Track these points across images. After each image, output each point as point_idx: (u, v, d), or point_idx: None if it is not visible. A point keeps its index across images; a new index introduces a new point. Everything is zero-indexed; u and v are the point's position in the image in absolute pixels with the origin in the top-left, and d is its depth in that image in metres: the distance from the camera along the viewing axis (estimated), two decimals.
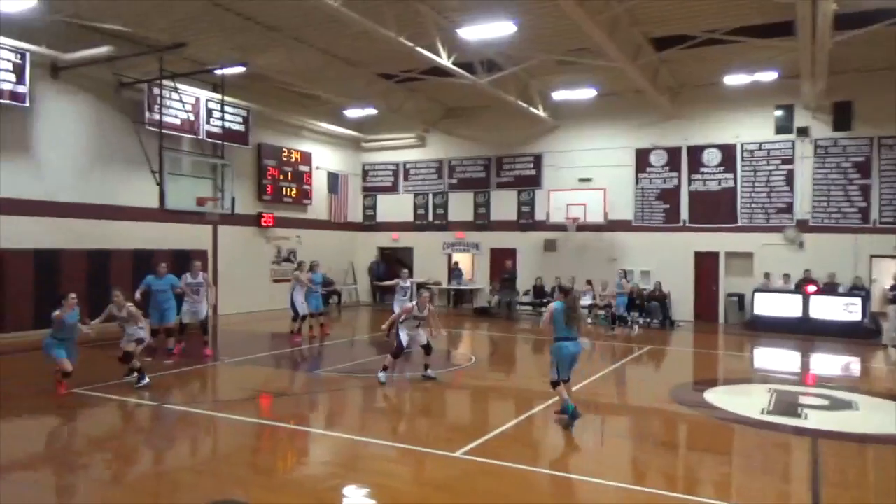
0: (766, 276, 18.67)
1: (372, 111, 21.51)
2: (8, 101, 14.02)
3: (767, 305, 17.87)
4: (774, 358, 15.04)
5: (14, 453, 6.94)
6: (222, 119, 17.48)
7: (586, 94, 19.13)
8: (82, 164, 16.12)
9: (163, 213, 15.24)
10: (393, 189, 25.24)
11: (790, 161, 18.87)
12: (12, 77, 14.01)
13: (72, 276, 15.36)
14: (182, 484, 6.21)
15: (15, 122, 14.61)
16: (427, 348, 10.57)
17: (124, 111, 16.81)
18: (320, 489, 6.12)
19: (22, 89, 14.20)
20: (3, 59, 13.85)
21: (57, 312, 9.26)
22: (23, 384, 9.99)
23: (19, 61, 14.10)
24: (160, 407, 8.79)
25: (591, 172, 21.25)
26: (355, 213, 25.53)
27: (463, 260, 24.10)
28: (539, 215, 22.04)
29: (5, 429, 7.93)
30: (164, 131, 15.32)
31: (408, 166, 24.90)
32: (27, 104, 14.40)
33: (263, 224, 21.23)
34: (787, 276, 18.27)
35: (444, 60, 15.11)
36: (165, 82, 15.45)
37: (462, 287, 23.48)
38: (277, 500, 5.72)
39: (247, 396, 9.76)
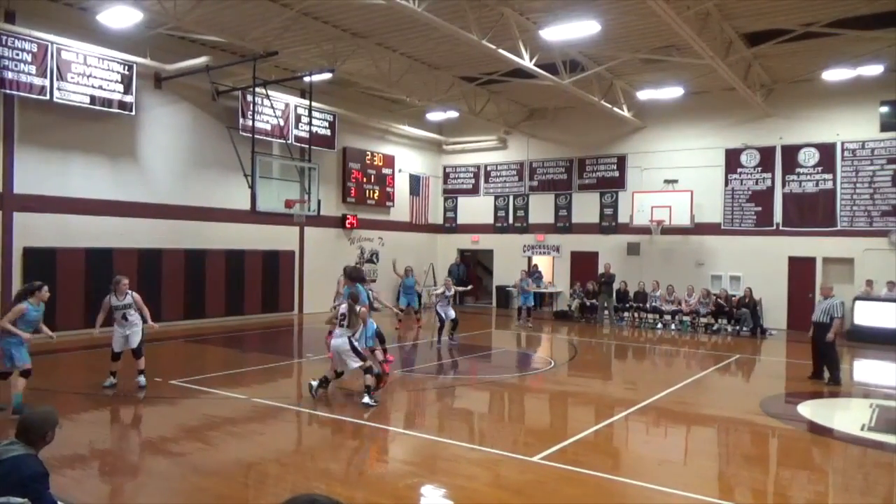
0: (869, 283, 17.51)
1: (454, 114, 21.69)
2: (117, 111, 15.05)
3: (869, 315, 16.78)
4: (877, 371, 14.09)
5: (112, 439, 7.46)
6: (310, 124, 18.09)
7: (673, 92, 18.54)
8: (181, 169, 17.08)
9: (253, 215, 15.94)
10: (474, 191, 25.34)
11: None
12: (121, 87, 15.02)
13: (171, 274, 16.37)
14: (269, 475, 6.49)
15: (122, 129, 15.67)
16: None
17: (220, 118, 17.72)
18: (399, 487, 6.24)
19: (129, 99, 15.20)
20: (113, 72, 14.88)
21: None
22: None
23: (127, 72, 15.11)
24: (248, 401, 9.20)
25: (678, 174, 20.63)
26: (436, 216, 25.82)
27: (543, 263, 23.89)
28: (622, 218, 21.57)
29: (96, 418, 8.52)
30: (255, 136, 16.01)
31: (489, 168, 24.95)
32: (133, 112, 15.40)
33: (348, 226, 21.81)
34: (892, 284, 17.08)
35: (527, 62, 15.04)
36: (258, 90, 16.16)
37: (542, 290, 23.27)
38: (357, 496, 5.88)
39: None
